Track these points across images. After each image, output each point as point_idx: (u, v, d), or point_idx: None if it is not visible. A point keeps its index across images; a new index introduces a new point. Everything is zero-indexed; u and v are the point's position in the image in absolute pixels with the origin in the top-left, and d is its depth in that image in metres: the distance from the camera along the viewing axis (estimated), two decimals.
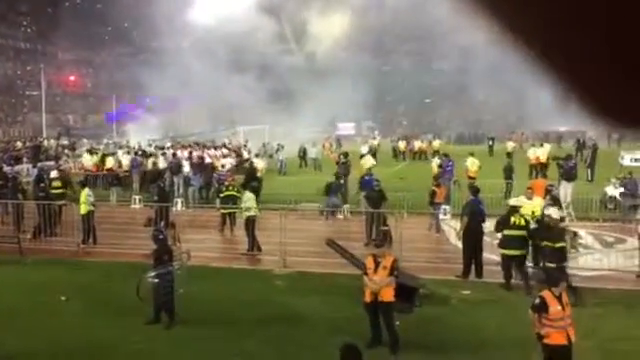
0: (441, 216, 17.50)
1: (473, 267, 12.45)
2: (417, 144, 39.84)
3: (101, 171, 25.66)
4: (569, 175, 20.14)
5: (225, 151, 31.74)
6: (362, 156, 27.69)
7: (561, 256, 10.76)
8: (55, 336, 9.52)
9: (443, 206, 17.82)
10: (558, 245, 10.77)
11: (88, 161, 27.06)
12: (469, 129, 55.43)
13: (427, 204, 16.93)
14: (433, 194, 16.82)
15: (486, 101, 52.21)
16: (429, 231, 16.62)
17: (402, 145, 40.19)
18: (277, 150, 33.20)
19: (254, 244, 14.68)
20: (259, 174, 23.14)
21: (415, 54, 60.27)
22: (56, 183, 17.93)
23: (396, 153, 39.17)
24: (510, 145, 35.47)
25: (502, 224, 11.90)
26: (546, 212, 11.92)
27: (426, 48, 57.09)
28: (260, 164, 24.80)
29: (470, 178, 21.88)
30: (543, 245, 10.99)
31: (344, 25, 49.38)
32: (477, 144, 40.66)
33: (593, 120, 0.62)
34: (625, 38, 0.55)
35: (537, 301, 7.42)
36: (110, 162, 26.22)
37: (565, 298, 7.39)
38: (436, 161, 23.96)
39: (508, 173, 22.21)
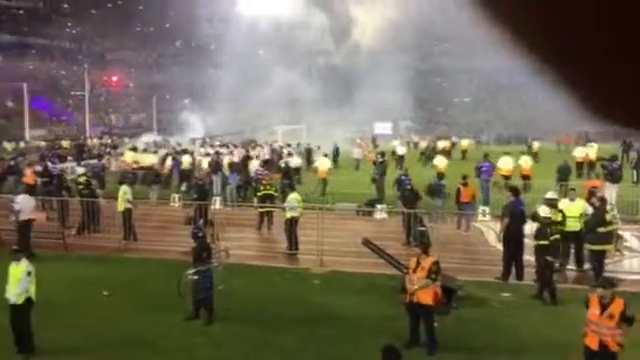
0: (480, 217, 17.31)
1: (514, 269, 12.25)
2: (441, 144, 39.29)
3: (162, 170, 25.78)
4: (614, 176, 19.64)
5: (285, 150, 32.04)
6: (428, 157, 28.33)
7: (551, 251, 11.07)
8: (97, 330, 9.74)
9: (482, 207, 17.61)
10: (541, 243, 11.12)
11: (153, 159, 27.22)
12: (508, 130, 54.37)
13: (453, 203, 16.96)
14: (458, 193, 16.74)
15: (526, 101, 51.21)
16: (466, 232, 16.48)
17: (424, 145, 39.90)
18: (309, 151, 33.00)
19: (293, 243, 14.73)
20: (324, 175, 23.24)
21: (454, 53, 59.63)
22: (82, 179, 18.37)
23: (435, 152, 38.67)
24: (536, 145, 35.36)
25: (537, 217, 11.83)
26: (538, 210, 11.97)
27: (465, 47, 56.38)
28: (326, 164, 24.54)
29: (524, 177, 22.25)
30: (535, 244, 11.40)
31: (383, 24, 49.18)
32: (518, 144, 39.86)
33: (599, 121, 0.62)
34: (631, 37, 0.54)
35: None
36: (170, 161, 26.42)
37: (615, 309, 7.06)
38: (439, 160, 25.09)
39: (564, 174, 21.68)
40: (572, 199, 13.38)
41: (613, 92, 0.59)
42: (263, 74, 46.01)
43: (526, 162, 23.63)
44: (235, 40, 48.84)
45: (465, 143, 38.58)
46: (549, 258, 11.05)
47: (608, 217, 12.16)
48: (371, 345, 8.40)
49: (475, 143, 46.54)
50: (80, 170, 19.53)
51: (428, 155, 34.79)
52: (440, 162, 24.66)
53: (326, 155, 27.31)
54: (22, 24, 63.45)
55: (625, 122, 0.61)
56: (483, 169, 21.06)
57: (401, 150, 33.78)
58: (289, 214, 14.88)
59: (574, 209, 12.92)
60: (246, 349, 8.93)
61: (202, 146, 37.38)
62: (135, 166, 25.29)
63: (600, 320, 7.03)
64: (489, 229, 16.39)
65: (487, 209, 17.92)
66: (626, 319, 7.12)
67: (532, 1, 0.58)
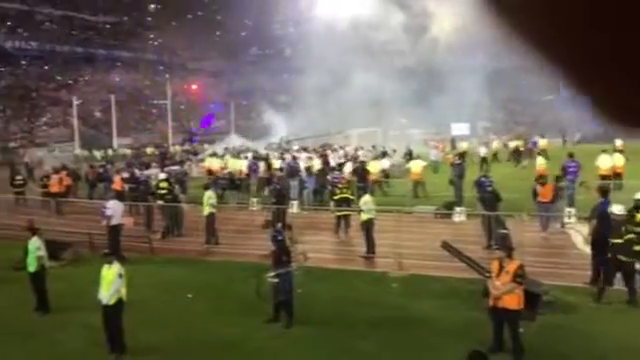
0: (565, 219, 16.63)
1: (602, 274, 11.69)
2: (512, 144, 37.79)
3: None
4: None
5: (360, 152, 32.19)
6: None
7: (624, 250, 10.69)
8: (183, 331, 10.08)
9: (568, 209, 16.90)
10: (615, 242, 10.83)
11: (239, 164, 27.88)
12: (594, 128, 51.65)
13: (531, 203, 16.52)
14: (534, 192, 16.34)
15: None
16: (545, 231, 15.94)
17: (496, 145, 38.41)
18: (384, 154, 32.56)
19: (370, 246, 14.69)
20: (418, 177, 23.09)
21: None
22: (163, 184, 19.08)
23: (519, 154, 37.23)
24: (619, 143, 33.67)
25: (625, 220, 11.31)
26: (612, 208, 11.47)
27: None
28: (419, 166, 24.10)
29: (617, 175, 21.82)
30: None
31: (461, 22, 48.21)
32: (606, 142, 37.87)
33: (611, 123, 0.59)
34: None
35: None
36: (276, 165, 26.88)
37: None
38: (540, 161, 23.89)
39: None
40: None
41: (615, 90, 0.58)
42: (341, 77, 46.05)
43: (619, 159, 23.06)
44: (313, 43, 49.24)
45: (544, 142, 37.00)
46: (621, 257, 10.69)
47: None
48: (453, 351, 8.27)
49: (562, 142, 44.65)
50: (162, 176, 20.31)
51: (519, 155, 33.93)
52: (541, 163, 23.72)
53: (415, 158, 26.69)
54: (109, 38, 66.88)
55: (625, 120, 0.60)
56: (570, 169, 20.24)
57: (483, 151, 32.97)
58: (365, 216, 14.85)
59: None
60: (327, 352, 8.97)
61: (277, 150, 38.04)
62: (224, 172, 25.88)
63: None
64: (576, 231, 15.72)
65: (573, 211, 17.18)
66: None
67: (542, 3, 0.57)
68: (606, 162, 22.10)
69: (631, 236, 10.84)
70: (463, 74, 43.93)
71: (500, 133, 47.82)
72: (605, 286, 11.04)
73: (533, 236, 15.24)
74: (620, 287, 11.30)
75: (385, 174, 26.47)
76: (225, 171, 25.32)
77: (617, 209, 11.40)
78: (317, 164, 26.19)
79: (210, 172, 27.92)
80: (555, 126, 51.99)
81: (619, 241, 10.83)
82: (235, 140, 48.20)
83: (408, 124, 47.13)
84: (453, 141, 44.64)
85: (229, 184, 22.98)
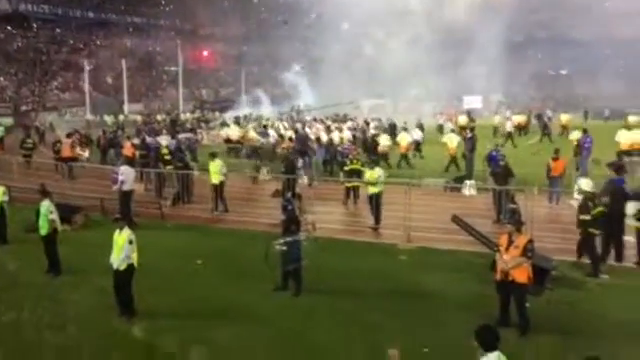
0: (575, 195, 16.56)
1: (613, 251, 11.67)
2: (517, 119, 37.05)
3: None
4: None
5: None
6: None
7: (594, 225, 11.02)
8: (191, 297, 10.18)
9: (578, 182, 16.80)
10: (582, 218, 11.14)
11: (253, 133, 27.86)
12: (608, 103, 50.77)
13: (544, 178, 16.66)
14: (548, 167, 16.50)
15: (625, 73, 47.94)
16: (557, 204, 16.05)
17: (498, 120, 37.49)
18: (394, 126, 32.18)
19: (378, 218, 14.71)
20: (454, 152, 22.78)
21: (549, 24, 56.92)
22: (164, 150, 19.37)
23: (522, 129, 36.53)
24: (632, 119, 33.26)
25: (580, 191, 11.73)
26: (580, 184, 11.86)
27: (561, 18, 53.61)
28: (454, 140, 23.39)
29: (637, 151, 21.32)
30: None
31: None
32: (620, 119, 37.37)
33: None
34: None
35: None
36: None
37: None
38: (575, 134, 23.03)
39: None
40: None
41: None
42: (355, 47, 45.38)
43: (637, 135, 22.38)
44: (328, 11, 48.43)
45: (566, 118, 36.38)
46: (593, 231, 11.04)
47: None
48: (460, 324, 8.31)
49: (584, 118, 44.05)
50: (163, 143, 20.55)
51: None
52: (574, 136, 23.16)
53: (453, 130, 26.27)
54: (121, 3, 66.25)
55: None
56: (586, 145, 20.05)
57: (508, 125, 32.73)
58: (374, 189, 14.82)
59: None
60: (335, 322, 9.02)
61: (285, 120, 37.92)
62: (262, 141, 25.91)
63: None
64: None
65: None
66: None
67: None
68: (626, 137, 21.61)
69: (600, 209, 11.13)
70: (479, 45, 43.32)
71: (514, 107, 47.28)
72: (600, 261, 11.26)
73: (543, 211, 15.19)
74: (629, 264, 11.33)
75: (415, 146, 26.22)
76: (262, 141, 25.42)
77: (586, 184, 11.51)
78: (347, 134, 26.21)
79: (229, 140, 28.02)
80: (571, 101, 51.30)
81: (587, 217, 11.08)
82: (266, 108, 47.72)
83: (419, 96, 46.60)
84: (469, 114, 44.02)
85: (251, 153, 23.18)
